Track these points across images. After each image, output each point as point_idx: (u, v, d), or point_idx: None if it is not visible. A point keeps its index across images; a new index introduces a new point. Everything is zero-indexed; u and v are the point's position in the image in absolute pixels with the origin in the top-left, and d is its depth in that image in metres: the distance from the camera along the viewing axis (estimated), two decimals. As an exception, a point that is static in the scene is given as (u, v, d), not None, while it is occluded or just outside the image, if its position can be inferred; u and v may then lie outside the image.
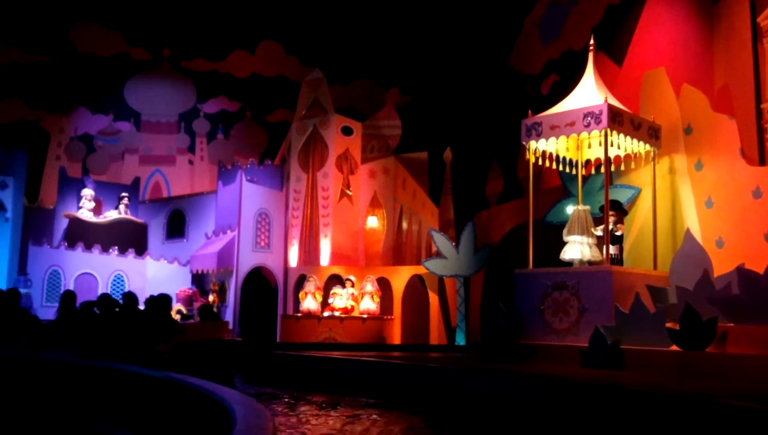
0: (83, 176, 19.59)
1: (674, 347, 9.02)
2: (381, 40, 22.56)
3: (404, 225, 18.70)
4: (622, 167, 11.69)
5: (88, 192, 19.42)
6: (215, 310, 17.75)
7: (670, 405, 6.38)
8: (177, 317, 17.43)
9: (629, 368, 9.20)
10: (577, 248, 10.99)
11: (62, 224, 19.26)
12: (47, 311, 17.62)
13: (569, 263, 11.07)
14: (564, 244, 11.29)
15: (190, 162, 23.27)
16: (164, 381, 6.15)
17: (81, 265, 18.20)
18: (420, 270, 17.11)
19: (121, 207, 19.63)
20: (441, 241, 16.69)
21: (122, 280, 18.46)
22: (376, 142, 20.15)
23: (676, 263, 10.25)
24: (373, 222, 18.83)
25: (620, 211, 11.10)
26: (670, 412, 6.32)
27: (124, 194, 19.71)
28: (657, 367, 8.93)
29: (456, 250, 16.53)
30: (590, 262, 10.92)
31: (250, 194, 18.40)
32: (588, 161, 12.21)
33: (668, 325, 9.22)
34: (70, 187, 19.69)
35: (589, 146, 11.30)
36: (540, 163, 11.51)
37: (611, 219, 10.75)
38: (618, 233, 10.94)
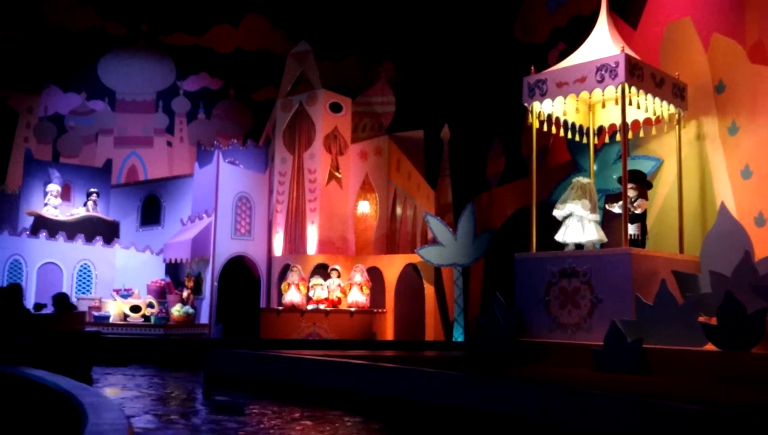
0: (49, 169, 17.85)
1: (710, 347, 7.33)
2: (374, 12, 20.86)
3: (398, 210, 17.16)
4: (641, 134, 9.98)
5: (53, 187, 17.69)
6: (190, 303, 16.21)
7: (719, 427, 4.72)
8: (148, 311, 15.93)
9: (654, 372, 7.52)
10: (577, 227, 9.26)
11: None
12: (7, 305, 16.10)
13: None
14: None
15: (169, 144, 21.58)
16: (13, 376, 4.94)
17: (44, 254, 16.61)
18: (414, 259, 15.66)
19: (90, 204, 17.92)
20: (437, 227, 15.30)
21: (89, 270, 16.88)
22: (368, 120, 18.67)
23: (709, 244, 8.57)
24: (364, 207, 17.34)
25: (642, 183, 9.41)
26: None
27: (93, 190, 18.01)
28: (689, 371, 7.25)
29: (454, 237, 15.18)
30: (582, 246, 9.22)
31: (229, 176, 16.82)
32: (601, 129, 10.53)
33: (701, 319, 7.56)
34: (37, 170, 18.06)
35: (603, 105, 9.56)
36: (545, 129, 9.82)
37: (631, 193, 9.05)
38: (638, 211, 9.24)
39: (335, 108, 17.38)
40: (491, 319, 9.06)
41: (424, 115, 18.32)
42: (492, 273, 14.83)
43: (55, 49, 20.80)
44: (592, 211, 9.22)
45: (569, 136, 10.21)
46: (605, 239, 9.22)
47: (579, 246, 9.14)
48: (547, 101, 9.42)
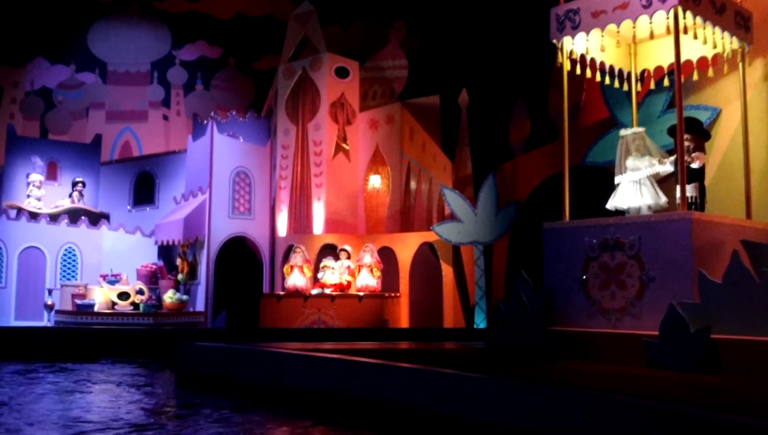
0: (31, 158, 16.32)
1: (802, 336, 5.64)
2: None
3: (412, 184, 15.62)
4: (695, 77, 8.20)
5: (36, 177, 16.19)
6: (185, 275, 14.77)
7: None
8: (137, 298, 14.43)
9: (727, 370, 5.82)
10: (630, 191, 7.61)
11: (10, 193, 16.30)
12: (-10, 294, 14.79)
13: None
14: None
15: (165, 117, 20.10)
16: None
17: (26, 238, 15.22)
18: (431, 237, 14.17)
19: (75, 195, 16.40)
20: (455, 201, 13.83)
21: (74, 254, 15.44)
22: (378, 87, 17.09)
23: (789, 206, 6.83)
24: (375, 181, 15.85)
25: (699, 133, 7.65)
26: None
27: (78, 179, 16.51)
28: (774, 368, 5.56)
29: (474, 212, 13.70)
30: (652, 210, 7.53)
31: (224, 149, 15.29)
32: (645, 74, 8.75)
33: (787, 300, 5.85)
34: (21, 148, 16.63)
35: (651, 36, 7.75)
36: (578, 71, 8.10)
37: (686, 145, 7.29)
38: (695, 165, 7.49)
39: (341, 73, 15.83)
40: (515, 303, 7.38)
41: (439, 79, 16.69)
42: (517, 251, 13.21)
43: (41, 19, 19.39)
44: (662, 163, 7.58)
45: (607, 81, 8.46)
46: (666, 202, 7.53)
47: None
48: (581, 37, 7.70)
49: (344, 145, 15.73)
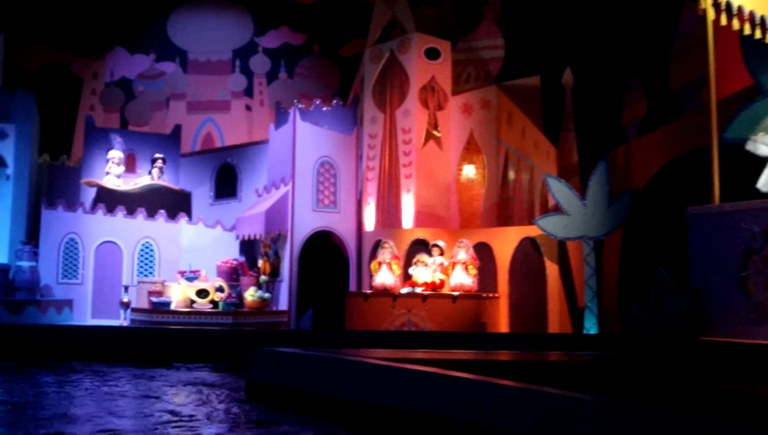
0: (110, 134, 15.81)
1: None
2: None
3: (511, 174, 14.44)
4: None
5: (115, 154, 15.60)
6: (266, 274, 13.85)
7: None
8: (217, 296, 13.54)
9: None
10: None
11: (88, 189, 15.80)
12: (65, 290, 14.28)
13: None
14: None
15: (248, 107, 19.43)
16: None
17: (102, 232, 14.66)
18: (533, 231, 13.02)
19: (155, 171, 15.74)
20: (560, 191, 12.64)
21: (151, 249, 14.74)
22: (473, 69, 15.97)
23: None
24: (469, 171, 14.65)
25: None
26: None
27: (158, 156, 15.84)
28: None
29: (582, 203, 12.49)
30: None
31: (308, 138, 14.31)
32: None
33: None
34: (99, 139, 16.04)
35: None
36: (724, 21, 6.63)
37: None
38: None
39: (432, 54, 14.74)
40: (653, 306, 5.98)
41: (539, 57, 15.56)
42: (633, 247, 11.86)
43: (120, 7, 19.03)
44: None
45: (758, 34, 6.94)
46: None
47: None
48: (730, -22, 6.26)
49: (435, 133, 14.61)
